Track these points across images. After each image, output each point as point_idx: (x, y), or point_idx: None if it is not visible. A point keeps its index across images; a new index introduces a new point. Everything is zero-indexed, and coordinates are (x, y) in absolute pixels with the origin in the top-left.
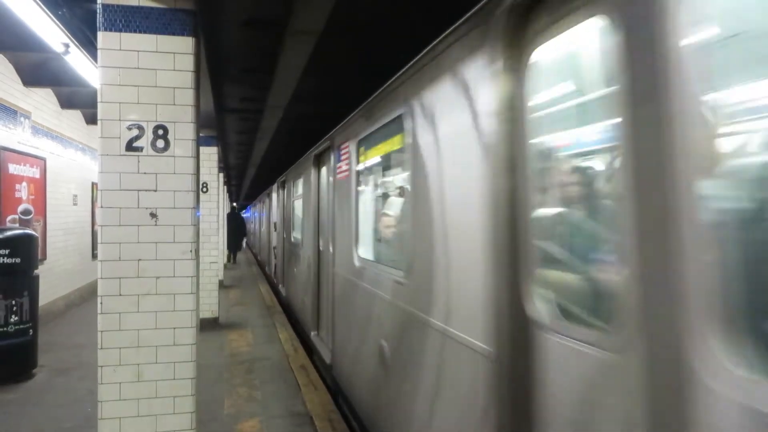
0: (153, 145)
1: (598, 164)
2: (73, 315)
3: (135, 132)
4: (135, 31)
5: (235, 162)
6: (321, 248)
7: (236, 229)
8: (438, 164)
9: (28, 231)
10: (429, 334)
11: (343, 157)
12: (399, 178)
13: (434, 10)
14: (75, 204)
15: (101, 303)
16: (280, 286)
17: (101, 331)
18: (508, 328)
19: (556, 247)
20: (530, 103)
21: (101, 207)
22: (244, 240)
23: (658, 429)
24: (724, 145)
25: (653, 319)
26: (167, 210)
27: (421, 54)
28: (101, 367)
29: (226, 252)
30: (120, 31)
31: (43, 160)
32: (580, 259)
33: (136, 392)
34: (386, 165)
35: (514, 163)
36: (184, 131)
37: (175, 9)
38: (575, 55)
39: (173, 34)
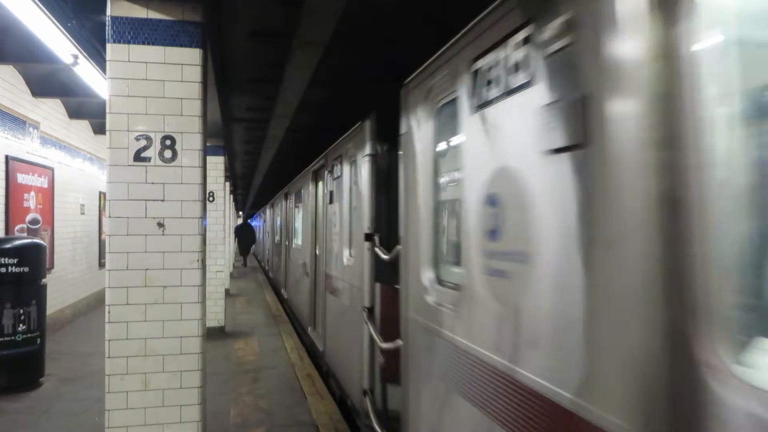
0: (161, 155)
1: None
2: (80, 324)
3: (143, 142)
4: (143, 43)
5: (241, 171)
6: (317, 253)
7: (248, 237)
8: (342, 194)
9: (36, 240)
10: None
11: (291, 198)
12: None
13: (435, 18)
14: (82, 213)
15: (109, 312)
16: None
17: (108, 340)
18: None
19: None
20: (318, 194)
21: (109, 217)
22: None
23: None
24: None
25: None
26: (174, 219)
27: (338, 141)
28: (108, 375)
29: (238, 256)
30: (129, 42)
31: (51, 169)
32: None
33: (143, 401)
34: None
35: (315, 211)
36: (191, 141)
37: (183, 21)
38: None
39: (181, 45)
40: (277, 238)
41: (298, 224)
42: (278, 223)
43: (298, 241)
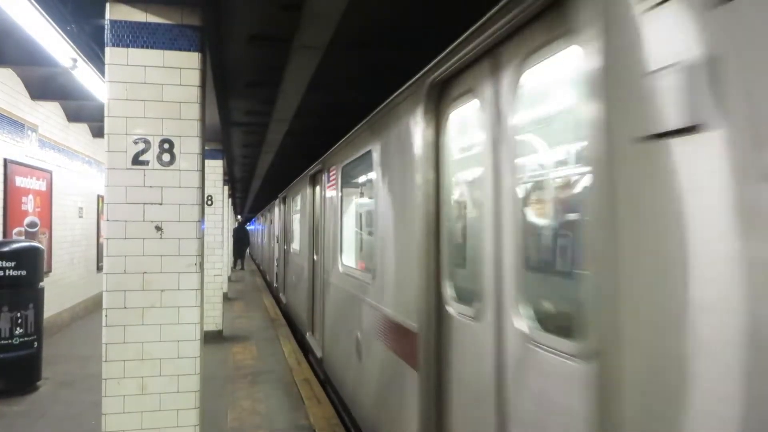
0: (159, 158)
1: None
2: (77, 327)
3: (141, 146)
4: (142, 47)
5: (240, 175)
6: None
7: (242, 240)
8: (393, 188)
9: (34, 243)
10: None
11: (331, 180)
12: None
13: (435, 24)
14: (80, 216)
15: (106, 316)
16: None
17: (106, 344)
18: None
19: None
20: (444, 148)
21: (107, 220)
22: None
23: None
24: None
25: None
26: (172, 223)
27: (380, 106)
28: (105, 379)
29: (232, 259)
30: (127, 46)
31: (50, 172)
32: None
33: (140, 405)
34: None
35: (436, 191)
36: (189, 145)
37: (182, 25)
38: (467, 119)
39: (180, 49)
40: (295, 246)
41: (348, 228)
42: (296, 226)
43: (349, 262)
